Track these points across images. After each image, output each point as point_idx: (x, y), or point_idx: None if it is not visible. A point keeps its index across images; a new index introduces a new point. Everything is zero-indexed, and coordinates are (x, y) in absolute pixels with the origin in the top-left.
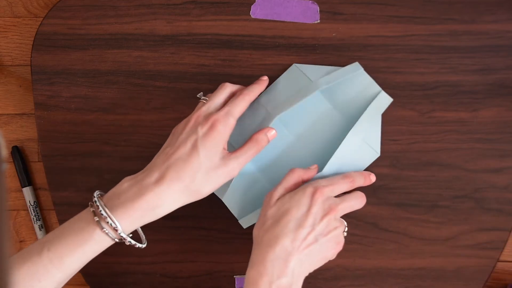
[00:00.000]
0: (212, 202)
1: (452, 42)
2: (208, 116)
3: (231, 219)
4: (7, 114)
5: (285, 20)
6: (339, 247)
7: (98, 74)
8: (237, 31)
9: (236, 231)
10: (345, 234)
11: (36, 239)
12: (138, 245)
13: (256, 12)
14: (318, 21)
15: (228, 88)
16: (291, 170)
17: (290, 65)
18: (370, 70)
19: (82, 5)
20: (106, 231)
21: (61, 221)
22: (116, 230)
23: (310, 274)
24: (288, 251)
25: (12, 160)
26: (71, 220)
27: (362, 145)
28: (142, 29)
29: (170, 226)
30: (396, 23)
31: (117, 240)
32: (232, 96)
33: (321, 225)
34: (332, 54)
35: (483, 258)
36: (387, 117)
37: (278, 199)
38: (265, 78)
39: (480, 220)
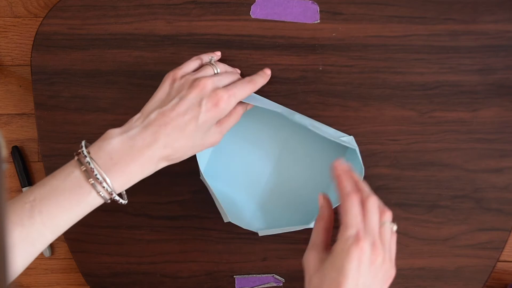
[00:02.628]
0: (212, 202)
1: (452, 42)
2: (215, 91)
3: None
4: (7, 114)
5: (285, 20)
6: (389, 281)
7: (98, 74)
8: (237, 31)
9: (236, 231)
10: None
11: None
12: (122, 201)
13: (256, 12)
14: (318, 21)
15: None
16: (316, 221)
17: (290, 65)
18: (370, 70)
19: (82, 5)
20: (102, 195)
21: None
22: (111, 194)
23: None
24: None
25: (12, 160)
26: (58, 176)
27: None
28: (142, 29)
29: (170, 226)
30: (396, 23)
31: (108, 201)
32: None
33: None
34: (332, 54)
35: (483, 258)
36: (387, 117)
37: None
38: (269, 72)
39: (480, 220)
